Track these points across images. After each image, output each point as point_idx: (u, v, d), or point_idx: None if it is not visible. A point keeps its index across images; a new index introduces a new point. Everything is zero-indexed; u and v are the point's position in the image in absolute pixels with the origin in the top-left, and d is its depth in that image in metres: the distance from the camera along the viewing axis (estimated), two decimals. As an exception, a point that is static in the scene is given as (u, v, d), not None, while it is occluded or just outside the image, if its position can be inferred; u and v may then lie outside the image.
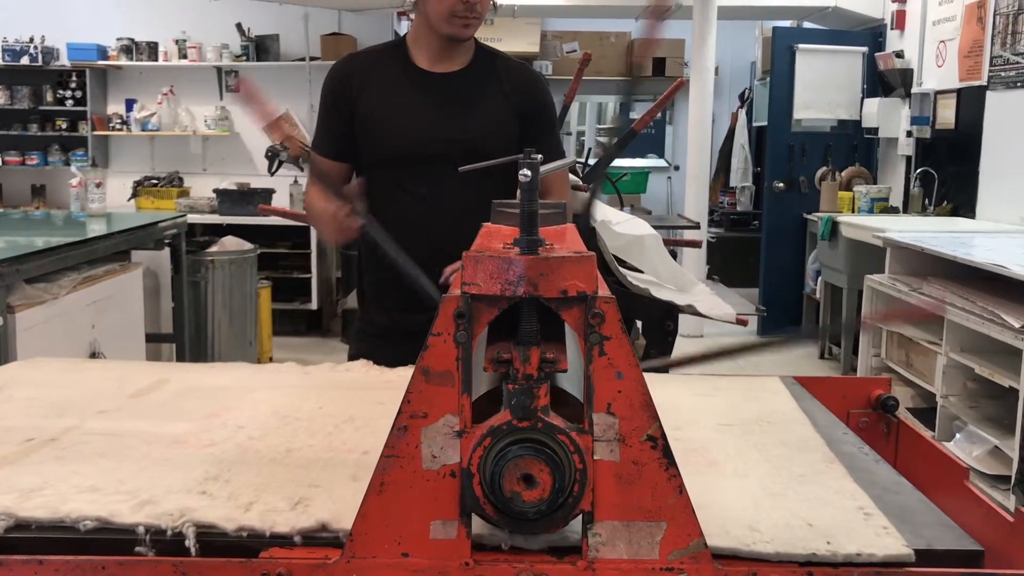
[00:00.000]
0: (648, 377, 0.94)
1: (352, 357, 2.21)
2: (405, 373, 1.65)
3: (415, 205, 2.08)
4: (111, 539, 1.00)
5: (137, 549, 0.98)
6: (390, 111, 2.10)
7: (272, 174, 6.90)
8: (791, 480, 1.18)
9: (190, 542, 0.98)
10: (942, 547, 1.00)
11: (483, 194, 1.69)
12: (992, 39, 5.46)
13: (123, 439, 1.28)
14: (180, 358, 4.88)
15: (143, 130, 7.87)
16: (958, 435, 4.04)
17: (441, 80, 2.11)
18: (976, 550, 0.99)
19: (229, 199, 6.88)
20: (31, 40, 7.80)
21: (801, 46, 6.98)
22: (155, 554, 0.98)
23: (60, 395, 1.50)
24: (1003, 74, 5.36)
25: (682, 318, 2.94)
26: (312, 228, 6.77)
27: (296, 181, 7.07)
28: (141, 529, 0.99)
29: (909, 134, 6.45)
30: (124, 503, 1.04)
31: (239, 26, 7.70)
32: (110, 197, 6.73)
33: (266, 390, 1.54)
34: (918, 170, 6.31)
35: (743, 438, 1.35)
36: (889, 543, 0.98)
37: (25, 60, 7.77)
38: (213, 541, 0.99)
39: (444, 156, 2.02)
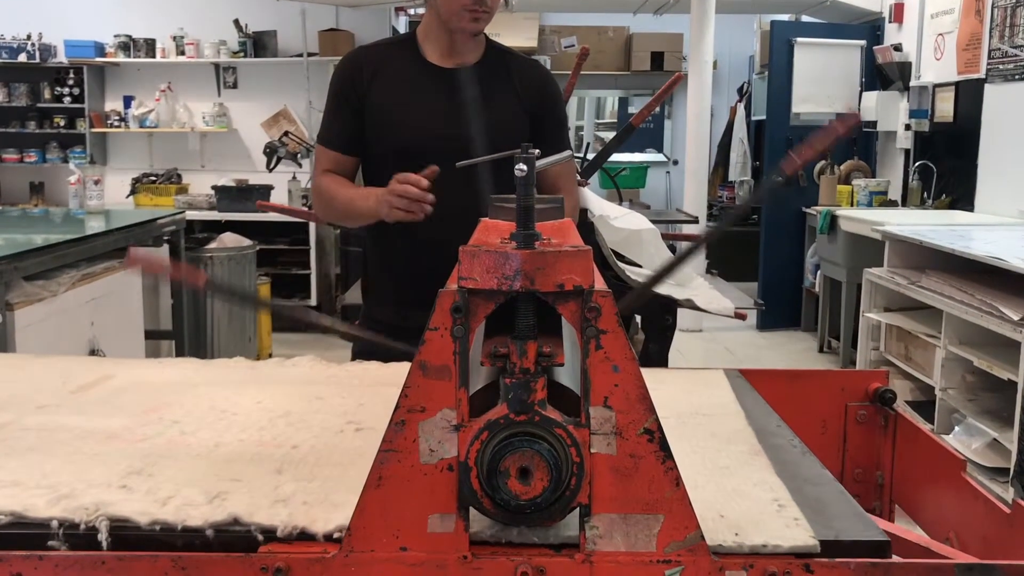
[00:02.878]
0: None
1: (356, 353, 2.20)
2: (352, 368, 1.65)
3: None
4: (25, 534, 0.99)
5: (50, 543, 0.98)
6: (400, 104, 2.08)
7: (270, 170, 6.91)
8: (715, 472, 1.19)
9: (103, 536, 0.98)
10: (849, 538, 1.00)
11: (490, 189, 1.68)
12: (990, 32, 5.46)
13: (56, 434, 1.28)
14: (179, 355, 4.88)
15: (141, 127, 7.87)
16: (957, 428, 4.05)
17: (452, 75, 2.10)
18: (882, 540, 1.00)
19: (227, 196, 6.88)
20: (28, 37, 7.79)
21: (799, 40, 6.98)
22: (68, 548, 0.98)
23: (2, 391, 1.49)
24: (1001, 67, 5.35)
25: (681, 312, 2.95)
26: (313, 224, 6.77)
27: (295, 177, 7.07)
28: (55, 523, 0.99)
29: (908, 127, 6.45)
30: (42, 497, 1.04)
31: (236, 22, 7.69)
32: (108, 194, 6.74)
33: (209, 385, 1.53)
34: (917, 163, 6.31)
35: (675, 430, 1.35)
36: (797, 534, 0.99)
37: (23, 57, 7.76)
38: (127, 535, 0.99)
39: (453, 151, 1.94)
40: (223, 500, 1.04)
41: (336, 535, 0.97)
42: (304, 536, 0.98)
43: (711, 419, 1.40)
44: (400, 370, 1.63)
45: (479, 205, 1.67)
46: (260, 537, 0.98)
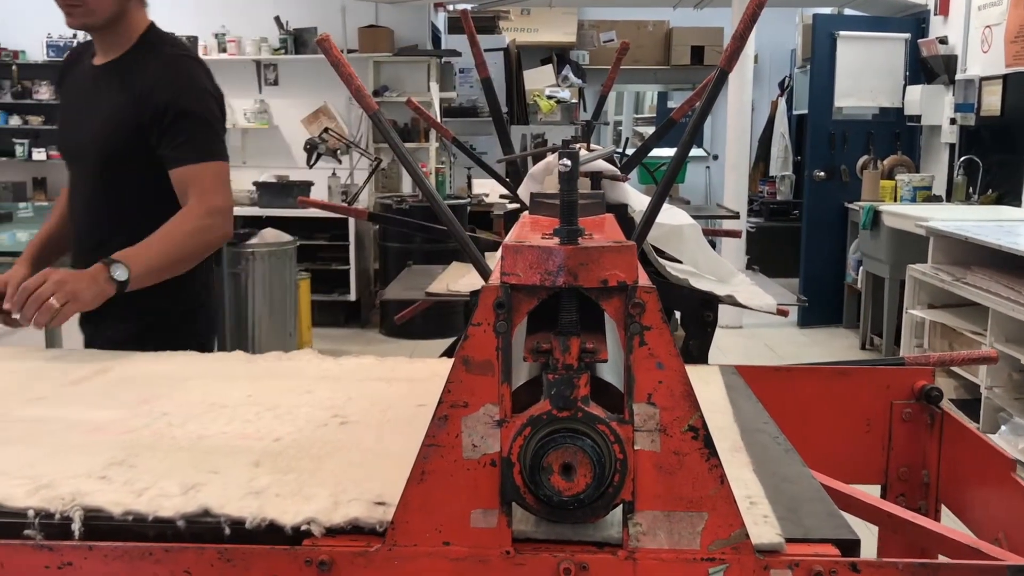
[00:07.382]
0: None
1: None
2: (346, 363, 1.63)
3: (73, 201, 2.17)
4: (3, 523, 1.01)
5: (26, 532, 0.99)
6: (64, 106, 2.23)
7: (311, 166, 6.96)
8: None
9: (76, 525, 0.99)
10: (818, 536, 0.99)
11: (113, 191, 2.01)
12: (1039, 23, 5.35)
13: (47, 425, 1.29)
14: (221, 349, 4.93)
15: (184, 124, 7.96)
16: (1003, 427, 3.98)
17: (94, 73, 2.14)
18: (852, 539, 0.98)
19: (268, 192, 6.94)
20: (74, 36, 7.91)
21: (842, 33, 6.89)
22: (43, 537, 0.99)
23: (2, 383, 1.52)
24: (1050, 59, 5.25)
25: (722, 309, 2.91)
26: (352, 220, 6.82)
27: (334, 173, 7.12)
28: (31, 512, 1.00)
29: (953, 121, 6.35)
30: (22, 487, 1.05)
31: (277, 19, 7.75)
32: (152, 190, 6.82)
33: (204, 378, 1.53)
34: (962, 158, 6.21)
35: None
36: (763, 532, 0.97)
37: (69, 55, 7.90)
38: (100, 525, 1.00)
39: (78, 153, 2.11)
40: (197, 491, 1.05)
41: (304, 527, 0.98)
42: (272, 528, 0.98)
43: None
44: (396, 365, 1.63)
45: (103, 205, 2.03)
46: (227, 530, 0.99)
